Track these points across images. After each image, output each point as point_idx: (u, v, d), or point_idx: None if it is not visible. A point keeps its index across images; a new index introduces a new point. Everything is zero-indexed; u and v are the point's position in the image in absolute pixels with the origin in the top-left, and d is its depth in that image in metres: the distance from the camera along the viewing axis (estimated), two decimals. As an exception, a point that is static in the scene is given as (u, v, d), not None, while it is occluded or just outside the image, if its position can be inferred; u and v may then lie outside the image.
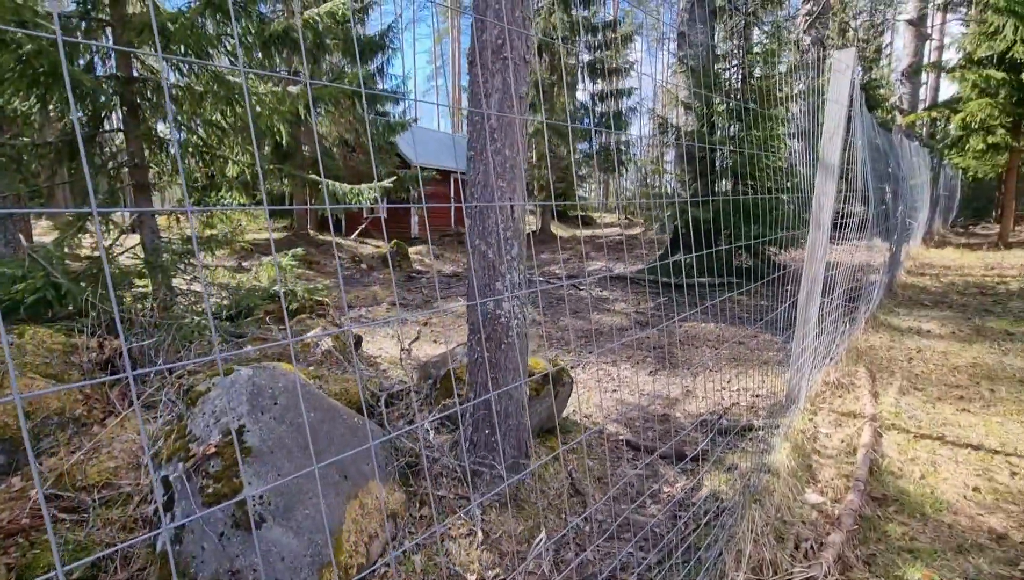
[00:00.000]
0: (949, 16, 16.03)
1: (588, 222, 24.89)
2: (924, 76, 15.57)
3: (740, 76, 7.13)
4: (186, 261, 4.75)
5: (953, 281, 7.28)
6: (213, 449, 1.80)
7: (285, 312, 0.77)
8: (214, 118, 5.03)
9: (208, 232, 5.91)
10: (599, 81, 16.40)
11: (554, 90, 14.37)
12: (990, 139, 10.09)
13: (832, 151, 3.04)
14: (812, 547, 2.07)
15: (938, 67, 12.16)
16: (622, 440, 3.11)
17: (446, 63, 40.48)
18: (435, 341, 5.82)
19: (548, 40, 13.92)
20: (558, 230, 20.50)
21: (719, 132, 7.02)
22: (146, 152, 4.85)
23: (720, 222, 7.14)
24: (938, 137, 13.35)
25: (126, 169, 4.87)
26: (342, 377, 3.31)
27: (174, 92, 4.54)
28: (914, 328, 5.11)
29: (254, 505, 1.66)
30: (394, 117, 12.96)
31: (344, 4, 4.84)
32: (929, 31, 14.35)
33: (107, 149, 4.75)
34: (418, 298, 8.68)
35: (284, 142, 5.62)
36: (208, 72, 4.92)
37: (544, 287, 5.37)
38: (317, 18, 4.75)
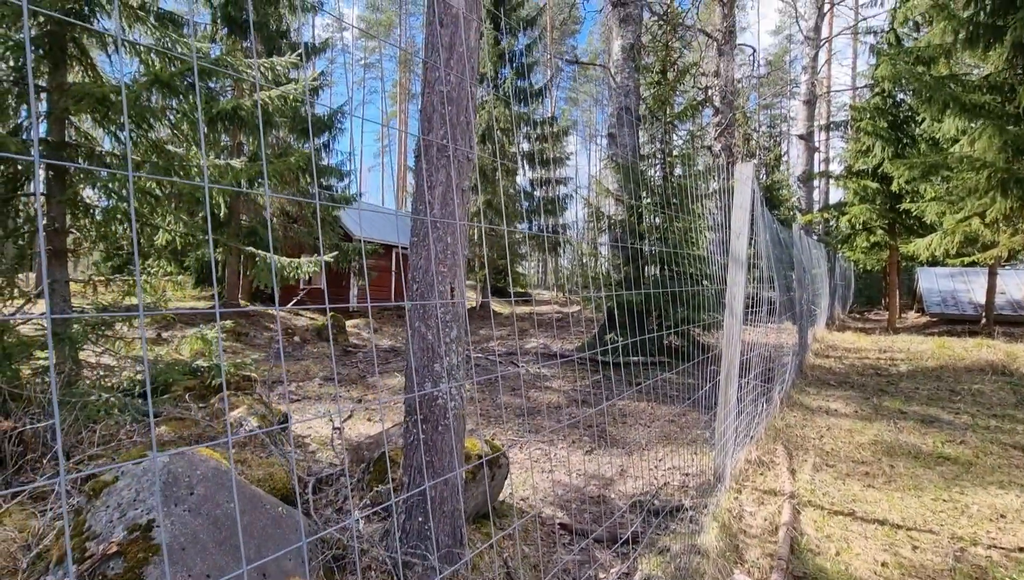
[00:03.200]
0: (832, 133, 18.95)
1: (526, 299, 25.48)
2: (816, 181, 17.99)
3: (662, 174, 7.96)
4: (99, 332, 4.42)
5: (853, 363, 8.02)
6: (115, 548, 1.64)
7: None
8: (149, 186, 4.92)
9: (128, 300, 5.56)
10: (538, 169, 17.57)
11: (496, 175, 15.21)
12: (872, 238, 11.65)
13: (740, 248, 3.43)
14: (741, 631, 2.11)
15: (826, 175, 14.19)
16: (558, 523, 3.08)
17: (392, 142, 41.93)
18: (369, 419, 5.60)
19: (490, 130, 14.92)
20: (497, 306, 20.79)
21: (645, 222, 7.69)
22: (68, 217, 4.63)
23: (650, 305, 7.60)
24: (832, 234, 15.23)
25: (43, 234, 4.59)
26: (267, 461, 3.11)
27: (109, 160, 4.45)
28: (823, 407, 5.54)
29: (158, 612, 1.51)
30: (338, 191, 13.12)
31: (298, 88, 5.06)
32: (817, 145, 16.80)
33: (23, 213, 4.49)
34: (353, 373, 8.39)
35: (221, 213, 5.54)
36: (147, 141, 4.88)
37: (487, 376, 5.40)
38: (268, 100, 4.91)
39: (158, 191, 4.88)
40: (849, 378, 6.93)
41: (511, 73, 16.46)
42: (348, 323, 12.91)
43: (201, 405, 4.92)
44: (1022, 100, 6.86)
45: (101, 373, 5.00)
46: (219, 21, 10.21)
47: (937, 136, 8.75)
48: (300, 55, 6.29)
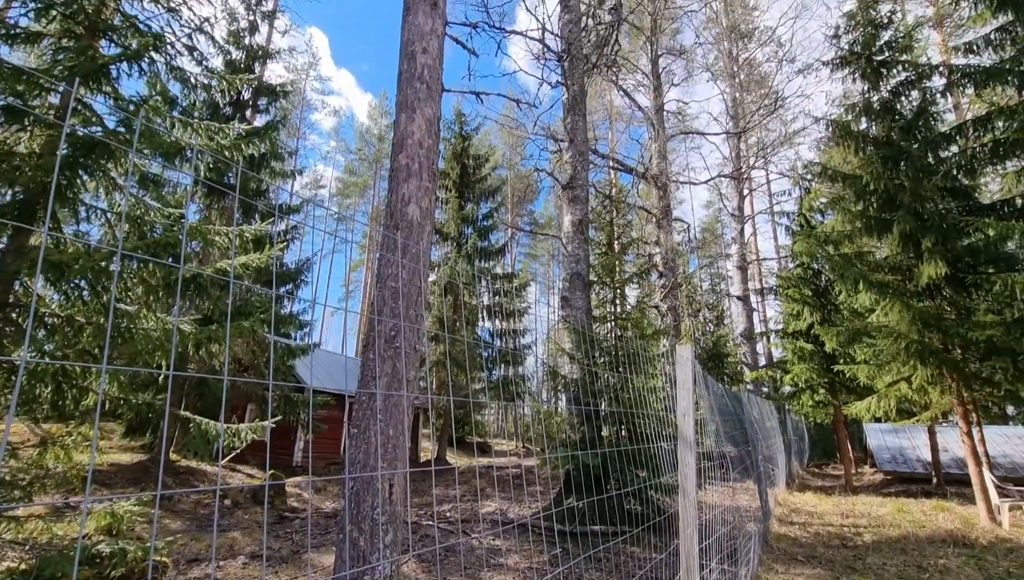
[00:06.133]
0: (767, 294, 20.83)
1: (485, 449, 24.37)
2: (759, 339, 19.19)
3: (614, 335, 8.35)
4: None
5: (818, 531, 7.77)
6: None
7: None
8: (88, 347, 4.75)
9: (35, 470, 4.98)
10: (498, 320, 18.10)
11: (455, 326, 15.53)
12: (816, 397, 12.13)
13: (687, 427, 3.49)
14: None
15: (765, 335, 15.22)
16: None
17: (357, 288, 42.86)
18: (294, 616, 4.87)
19: (453, 283, 15.63)
20: (454, 458, 19.70)
21: (600, 381, 7.83)
22: (-11, 379, 4.33)
23: (607, 467, 7.39)
24: (779, 391, 15.81)
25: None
26: None
27: (52, 322, 4.34)
28: (792, 590, 5.21)
29: None
30: (296, 341, 12.96)
31: (262, 259, 5.28)
32: (755, 306, 18.31)
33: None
34: (285, 548, 7.46)
35: (161, 375, 5.32)
36: (98, 302, 4.84)
37: (433, 548, 4.93)
38: (228, 269, 5.08)
39: (98, 353, 4.70)
40: (815, 552, 6.65)
41: (473, 233, 17.77)
42: (289, 481, 11.84)
43: (90, 607, 4.18)
44: (919, 280, 7.82)
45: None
46: (199, 183, 10.89)
47: (855, 306, 9.68)
48: (271, 223, 6.74)
